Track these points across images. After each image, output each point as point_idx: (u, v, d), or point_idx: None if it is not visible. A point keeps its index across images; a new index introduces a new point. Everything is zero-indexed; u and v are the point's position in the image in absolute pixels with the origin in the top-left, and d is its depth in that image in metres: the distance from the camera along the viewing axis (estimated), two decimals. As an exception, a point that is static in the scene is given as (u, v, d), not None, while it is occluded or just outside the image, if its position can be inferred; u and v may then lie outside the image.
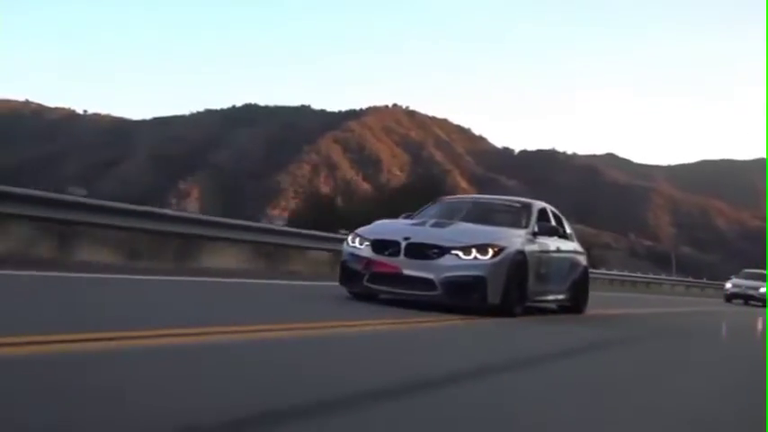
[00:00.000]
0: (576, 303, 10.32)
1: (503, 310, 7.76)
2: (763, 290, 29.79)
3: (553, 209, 10.28)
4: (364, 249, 8.00)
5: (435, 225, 8.34)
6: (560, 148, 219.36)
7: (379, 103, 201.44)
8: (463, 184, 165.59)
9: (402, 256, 7.69)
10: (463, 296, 7.64)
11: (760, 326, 15.19)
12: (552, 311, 10.12)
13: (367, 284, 7.89)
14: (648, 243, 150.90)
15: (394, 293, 7.86)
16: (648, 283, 38.75)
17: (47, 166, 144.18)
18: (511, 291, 7.81)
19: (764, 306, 28.03)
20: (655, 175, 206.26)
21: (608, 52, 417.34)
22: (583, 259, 10.89)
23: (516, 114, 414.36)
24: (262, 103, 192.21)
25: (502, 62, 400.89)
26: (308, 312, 6.66)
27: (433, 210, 9.83)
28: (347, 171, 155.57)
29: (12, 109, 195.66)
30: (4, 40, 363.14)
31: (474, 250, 7.63)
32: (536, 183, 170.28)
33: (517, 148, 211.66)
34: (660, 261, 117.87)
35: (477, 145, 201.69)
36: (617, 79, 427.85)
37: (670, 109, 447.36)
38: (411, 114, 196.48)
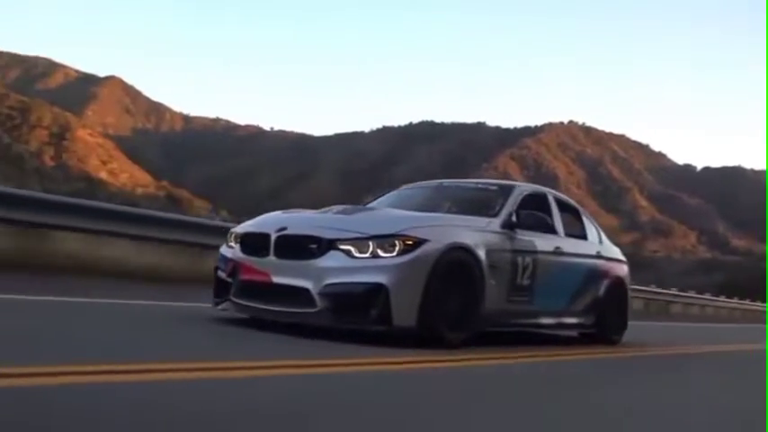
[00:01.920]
0: (602, 330, 7.50)
1: (424, 336, 5.15)
2: None
3: (562, 197, 7.81)
4: (235, 249, 5.64)
5: (342, 212, 5.79)
6: (747, 165, 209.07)
7: (555, 119, 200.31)
8: (642, 201, 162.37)
9: (272, 256, 5.28)
10: (354, 315, 5.04)
11: None
12: (553, 341, 7.38)
13: (233, 300, 5.46)
14: None
15: (263, 312, 5.31)
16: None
17: (242, 179, 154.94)
18: (438, 308, 5.17)
19: None
20: None
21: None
22: (617, 269, 7.96)
23: (698, 129, 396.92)
24: (438, 120, 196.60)
25: (681, 75, 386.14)
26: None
27: (379, 199, 7.48)
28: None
29: (204, 125, 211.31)
30: (196, 61, 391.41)
31: (371, 244, 5.08)
32: (721, 201, 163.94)
33: (699, 165, 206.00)
34: None
35: (656, 161, 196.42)
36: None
37: None
38: (587, 130, 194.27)
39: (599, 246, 7.79)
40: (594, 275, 7.43)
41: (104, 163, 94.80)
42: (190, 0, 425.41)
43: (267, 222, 5.67)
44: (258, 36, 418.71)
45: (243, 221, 6.07)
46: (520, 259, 6.16)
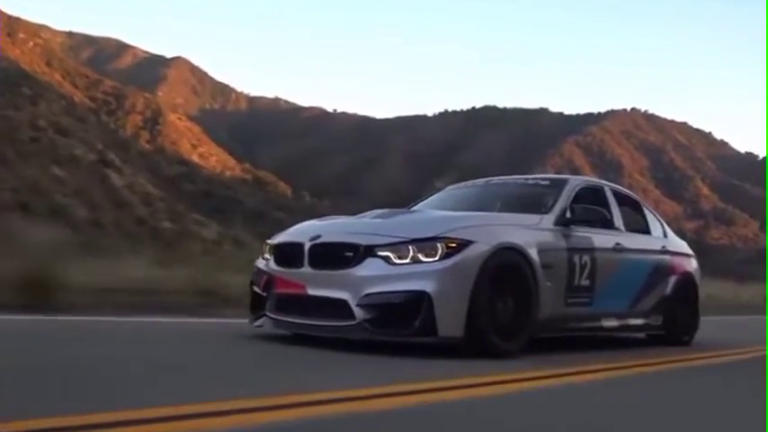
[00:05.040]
0: (671, 330, 7.06)
1: (473, 347, 4.82)
2: None
3: (622, 189, 7.43)
4: (269, 261, 5.40)
5: (380, 216, 5.42)
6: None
7: (617, 106, 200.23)
8: (705, 190, 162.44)
9: (306, 267, 5.01)
10: (396, 326, 4.70)
11: None
12: (618, 342, 6.94)
13: (269, 315, 5.23)
14: None
15: (301, 326, 5.10)
16: None
17: (311, 161, 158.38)
18: (487, 315, 4.82)
19: None
20: None
21: None
22: (685, 264, 7.49)
23: (761, 117, 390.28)
24: (500, 105, 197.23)
25: (744, 62, 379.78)
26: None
27: (424, 201, 7.12)
28: (590, 176, 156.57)
29: (266, 105, 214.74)
30: (255, 40, 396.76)
31: (412, 249, 4.77)
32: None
33: (762, 154, 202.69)
34: None
35: (718, 150, 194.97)
36: None
37: None
38: (650, 118, 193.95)
39: (664, 240, 7.43)
40: (660, 272, 7.04)
41: (194, 147, 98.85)
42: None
43: (301, 231, 5.42)
44: (313, 16, 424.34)
45: None
46: (577, 258, 5.77)
